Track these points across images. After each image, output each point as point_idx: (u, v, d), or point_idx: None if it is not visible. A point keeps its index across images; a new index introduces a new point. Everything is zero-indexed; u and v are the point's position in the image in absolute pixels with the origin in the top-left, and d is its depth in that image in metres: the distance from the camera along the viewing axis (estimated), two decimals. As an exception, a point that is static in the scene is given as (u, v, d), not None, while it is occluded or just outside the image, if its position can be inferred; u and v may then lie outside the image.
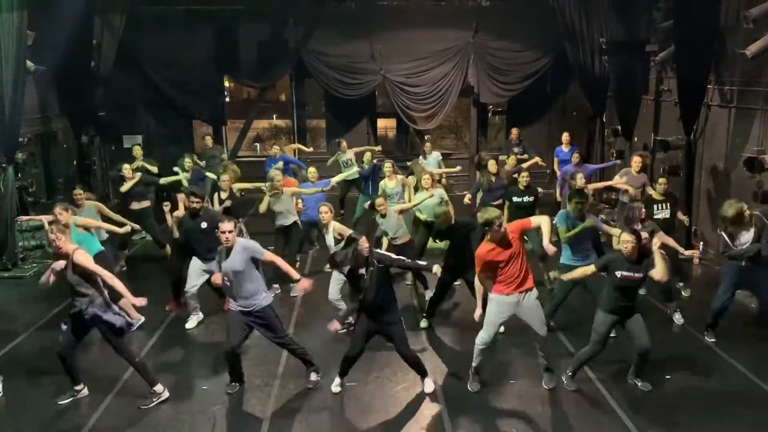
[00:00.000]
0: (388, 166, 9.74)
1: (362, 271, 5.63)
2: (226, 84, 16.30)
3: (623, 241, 5.63)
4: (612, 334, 6.10)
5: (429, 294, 7.95)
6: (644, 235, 5.96)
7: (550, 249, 5.84)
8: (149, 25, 13.60)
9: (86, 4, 10.90)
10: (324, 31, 14.28)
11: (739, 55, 8.67)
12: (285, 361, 6.64)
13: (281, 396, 6.03)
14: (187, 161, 10.35)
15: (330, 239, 7.32)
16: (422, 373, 6.06)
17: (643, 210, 7.39)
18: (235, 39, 14.37)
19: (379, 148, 13.19)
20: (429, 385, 6.06)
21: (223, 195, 8.64)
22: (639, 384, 6.05)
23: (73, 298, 5.61)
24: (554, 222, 6.78)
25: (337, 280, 7.13)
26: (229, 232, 5.63)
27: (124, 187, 9.43)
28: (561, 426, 5.56)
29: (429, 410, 5.79)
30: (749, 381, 6.22)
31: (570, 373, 6.11)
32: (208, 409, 5.82)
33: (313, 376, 6.19)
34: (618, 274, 5.65)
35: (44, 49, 10.64)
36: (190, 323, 7.59)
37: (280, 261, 5.97)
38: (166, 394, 5.92)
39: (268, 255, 5.91)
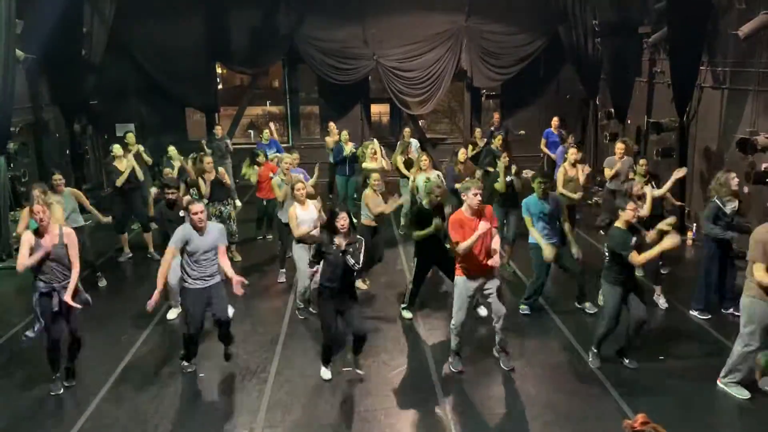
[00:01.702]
0: (372, 146, 9.80)
1: (341, 245, 5.68)
2: (219, 71, 16.20)
3: (628, 210, 5.79)
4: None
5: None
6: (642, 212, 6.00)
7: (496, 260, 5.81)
8: (140, 12, 13.47)
9: (75, -9, 10.83)
10: (316, 17, 14.20)
11: (731, 36, 8.66)
12: (281, 348, 6.69)
13: (277, 382, 6.06)
14: (172, 148, 10.33)
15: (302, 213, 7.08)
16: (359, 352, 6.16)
17: (638, 185, 7.42)
18: (227, 25, 14.28)
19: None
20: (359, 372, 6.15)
21: (209, 177, 8.94)
22: (626, 362, 6.12)
23: (48, 276, 5.62)
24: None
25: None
26: (201, 212, 5.84)
27: (119, 181, 9.33)
28: (553, 405, 5.61)
29: (425, 394, 5.84)
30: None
31: (595, 350, 6.20)
32: (205, 397, 5.86)
33: (232, 349, 6.34)
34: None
35: (33, 37, 10.54)
36: (172, 314, 7.57)
37: (225, 259, 6.04)
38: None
39: (223, 249, 6.03)
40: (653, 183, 7.86)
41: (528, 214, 7.04)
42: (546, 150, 12.24)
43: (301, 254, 7.17)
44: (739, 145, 8.38)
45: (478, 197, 5.69)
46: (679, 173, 7.84)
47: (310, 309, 7.46)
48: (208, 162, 9.05)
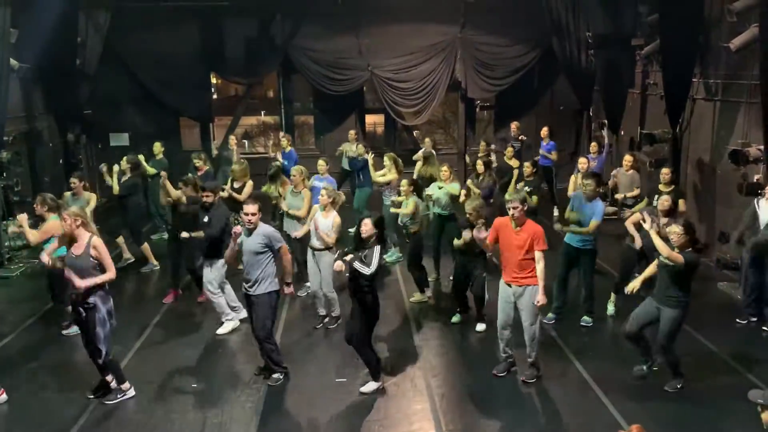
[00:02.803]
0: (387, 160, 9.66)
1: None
2: (213, 80, 16.18)
3: (672, 232, 5.70)
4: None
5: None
6: (678, 229, 5.75)
7: (543, 299, 5.90)
8: (135, 22, 13.44)
9: (70, 1, 10.78)
10: (311, 27, 14.23)
11: (723, 49, 8.74)
12: (275, 358, 6.66)
13: (271, 392, 6.03)
14: (197, 161, 10.00)
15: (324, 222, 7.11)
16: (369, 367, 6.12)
17: (667, 202, 6.90)
18: (222, 35, 14.27)
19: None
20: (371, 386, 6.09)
21: (237, 185, 9.03)
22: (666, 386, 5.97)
23: (74, 287, 5.52)
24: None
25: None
26: (252, 214, 5.88)
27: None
28: (548, 414, 5.62)
29: (419, 404, 5.82)
30: (735, 372, 6.30)
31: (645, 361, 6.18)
32: (198, 408, 5.81)
33: (276, 375, 6.21)
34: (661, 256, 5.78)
35: (28, 46, 10.54)
36: (222, 329, 7.36)
37: (288, 259, 6.14)
38: (132, 392, 5.96)
39: (285, 248, 6.10)
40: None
41: (571, 206, 7.25)
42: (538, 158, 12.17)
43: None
44: (732, 156, 8.43)
45: (511, 210, 5.90)
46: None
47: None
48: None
